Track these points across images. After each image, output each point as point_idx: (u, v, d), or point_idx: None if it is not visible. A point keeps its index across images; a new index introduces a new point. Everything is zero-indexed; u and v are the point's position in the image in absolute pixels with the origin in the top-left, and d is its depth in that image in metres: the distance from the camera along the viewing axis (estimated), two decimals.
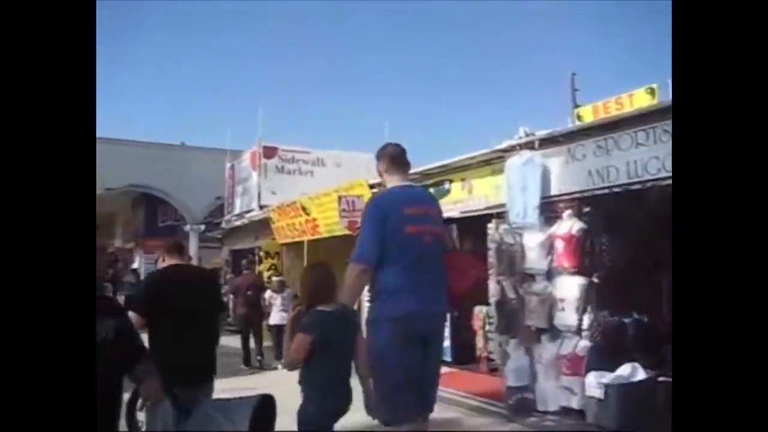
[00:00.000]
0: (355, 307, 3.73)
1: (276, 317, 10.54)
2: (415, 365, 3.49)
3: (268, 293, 10.91)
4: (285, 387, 3.65)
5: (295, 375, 3.37)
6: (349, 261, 3.59)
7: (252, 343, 10.79)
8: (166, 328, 3.58)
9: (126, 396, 2.65)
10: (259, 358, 10.65)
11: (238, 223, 16.53)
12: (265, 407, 2.58)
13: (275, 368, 10.04)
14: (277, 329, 10.32)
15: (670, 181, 5.14)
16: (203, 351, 3.87)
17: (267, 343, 10.96)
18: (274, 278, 11.42)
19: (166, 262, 4.22)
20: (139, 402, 2.59)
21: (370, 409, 3.46)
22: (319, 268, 3.88)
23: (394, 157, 3.92)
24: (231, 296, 11.62)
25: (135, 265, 30.97)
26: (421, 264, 3.56)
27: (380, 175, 4.00)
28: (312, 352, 3.26)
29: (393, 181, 3.87)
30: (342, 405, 3.37)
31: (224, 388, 4.82)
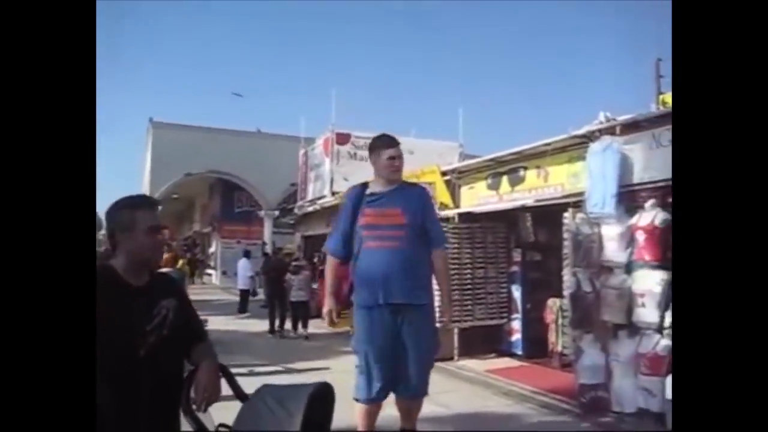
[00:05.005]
0: None
1: (294, 295, 12.29)
2: None
3: (288, 275, 12.62)
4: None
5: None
6: (441, 247, 4.18)
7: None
8: None
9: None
10: (278, 329, 12.49)
11: (310, 209, 16.64)
12: (322, 396, 2.45)
13: (296, 338, 11.98)
14: (294, 305, 12.31)
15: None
16: None
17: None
18: (293, 262, 13.29)
19: None
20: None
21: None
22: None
23: None
24: (259, 277, 13.95)
25: (212, 249, 31.99)
26: None
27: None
28: None
29: None
30: None
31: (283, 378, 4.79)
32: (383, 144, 4.11)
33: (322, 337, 11.78)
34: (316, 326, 12.57)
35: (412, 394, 4.01)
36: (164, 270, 6.16)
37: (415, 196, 4.16)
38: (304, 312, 12.34)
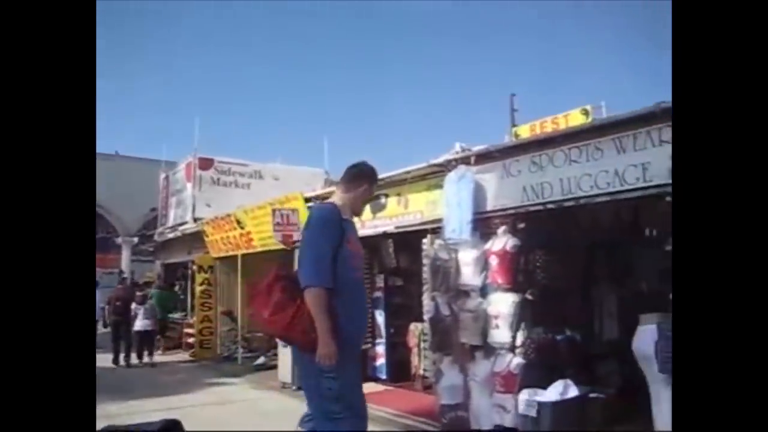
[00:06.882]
0: None
1: (138, 324, 12.50)
2: None
3: (133, 305, 12.72)
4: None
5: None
6: None
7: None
8: None
9: None
10: (124, 355, 12.41)
11: (171, 235, 16.06)
12: None
13: (139, 366, 12.13)
14: (140, 334, 12.53)
15: (602, 198, 5.18)
16: None
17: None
18: (138, 293, 13.36)
19: None
20: None
21: None
22: None
23: None
24: (106, 306, 13.73)
25: None
26: None
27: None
28: None
29: None
30: None
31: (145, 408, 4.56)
32: (375, 179, 3.96)
33: (184, 369, 11.42)
34: (180, 357, 12.20)
35: None
36: None
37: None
38: (150, 341, 12.64)
